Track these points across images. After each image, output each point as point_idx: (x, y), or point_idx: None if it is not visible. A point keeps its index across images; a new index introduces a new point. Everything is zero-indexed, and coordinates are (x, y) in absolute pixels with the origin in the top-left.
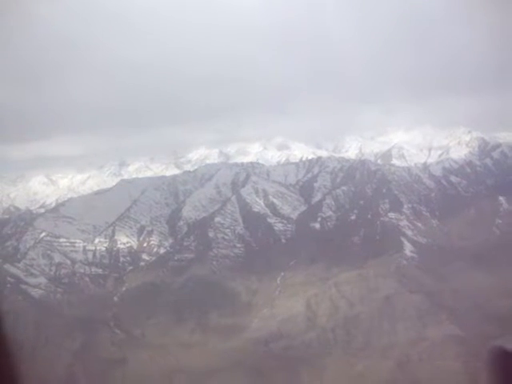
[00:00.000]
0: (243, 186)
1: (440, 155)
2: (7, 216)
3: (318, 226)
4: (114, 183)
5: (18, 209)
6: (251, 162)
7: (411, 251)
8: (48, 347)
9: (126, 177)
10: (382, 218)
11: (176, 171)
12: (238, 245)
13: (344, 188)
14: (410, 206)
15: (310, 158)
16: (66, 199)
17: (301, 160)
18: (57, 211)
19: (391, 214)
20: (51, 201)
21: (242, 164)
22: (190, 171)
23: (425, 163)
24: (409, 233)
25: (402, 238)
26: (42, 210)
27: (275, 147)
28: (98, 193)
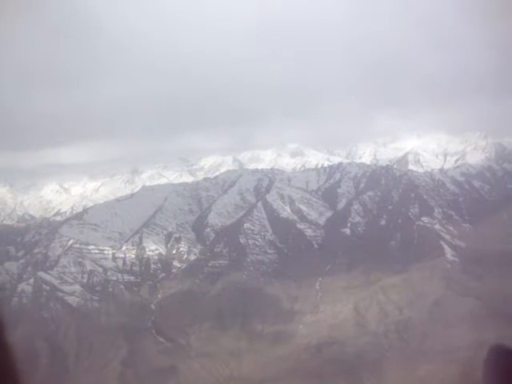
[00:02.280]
0: (268, 192)
1: (456, 161)
2: (23, 224)
3: (348, 231)
4: (127, 191)
5: (32, 217)
6: (271, 169)
7: (452, 255)
8: (93, 356)
9: (139, 184)
10: (417, 223)
11: (190, 178)
12: (270, 251)
13: (370, 193)
14: (440, 210)
15: (326, 164)
16: (88, 206)
17: (317, 166)
18: (80, 218)
19: (424, 219)
20: (66, 208)
21: (263, 170)
22: (210, 178)
23: (441, 169)
24: (447, 237)
25: (442, 242)
26: (59, 218)
27: (289, 154)
28: (119, 200)
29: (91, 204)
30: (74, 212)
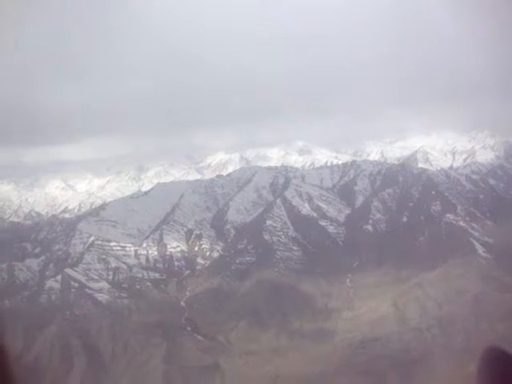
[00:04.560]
0: (285, 190)
1: (465, 159)
2: (29, 221)
3: (370, 228)
4: (134, 188)
5: (39, 214)
6: (285, 166)
7: (483, 251)
8: (129, 353)
9: (145, 182)
10: (443, 220)
11: (197, 176)
12: (294, 248)
13: (389, 191)
14: (462, 207)
15: (335, 162)
16: (99, 203)
17: (326, 164)
18: (97, 215)
19: (449, 216)
20: (73, 206)
21: (276, 168)
22: (223, 175)
23: (451, 167)
24: (475, 233)
25: (471, 239)
26: (67, 215)
27: (296, 152)
28: (133, 196)
29: (99, 201)
30: (82, 209)
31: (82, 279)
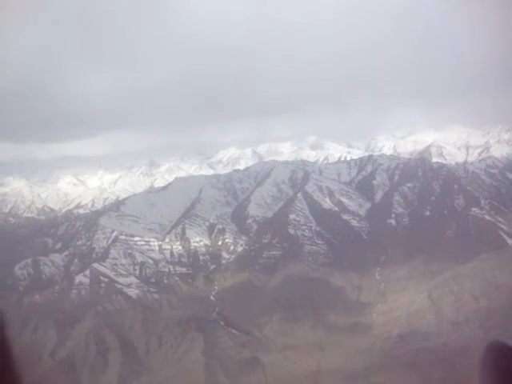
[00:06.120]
0: (306, 184)
1: (480, 153)
2: (43, 216)
3: (393, 222)
4: (147, 183)
5: (52, 209)
6: (301, 160)
7: None
8: (164, 348)
9: (157, 177)
10: (470, 213)
11: (210, 171)
12: (319, 241)
13: (409, 185)
14: (485, 201)
15: (348, 157)
16: (125, 198)
17: (340, 159)
18: (118, 210)
19: (475, 210)
20: (86, 201)
21: (293, 162)
22: (240, 169)
23: (465, 161)
24: (503, 227)
25: (500, 232)
26: (81, 211)
27: (309, 147)
28: (151, 191)
29: (112, 197)
30: (96, 204)
31: (111, 274)
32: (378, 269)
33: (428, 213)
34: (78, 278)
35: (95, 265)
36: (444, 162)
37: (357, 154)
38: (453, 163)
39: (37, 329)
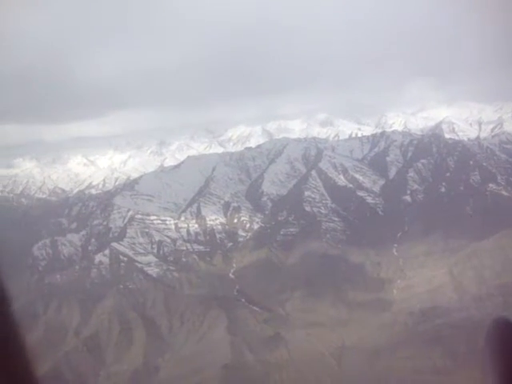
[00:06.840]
0: (319, 161)
1: (493, 129)
2: (54, 198)
3: (409, 198)
4: (157, 163)
5: (63, 190)
6: (313, 138)
7: None
8: (187, 325)
9: (168, 156)
10: (488, 189)
11: (220, 149)
12: (336, 219)
13: (423, 161)
14: (502, 177)
15: (359, 134)
16: (137, 177)
17: (350, 136)
18: (132, 189)
19: (492, 185)
20: (97, 182)
21: (305, 139)
22: (252, 147)
23: (477, 137)
24: None
25: None
26: (93, 191)
27: (318, 124)
28: (163, 170)
29: (123, 176)
30: (107, 185)
31: (130, 253)
32: (396, 245)
33: (443, 189)
34: (98, 258)
35: (114, 244)
36: (456, 138)
37: (367, 130)
38: (465, 139)
39: (60, 308)
